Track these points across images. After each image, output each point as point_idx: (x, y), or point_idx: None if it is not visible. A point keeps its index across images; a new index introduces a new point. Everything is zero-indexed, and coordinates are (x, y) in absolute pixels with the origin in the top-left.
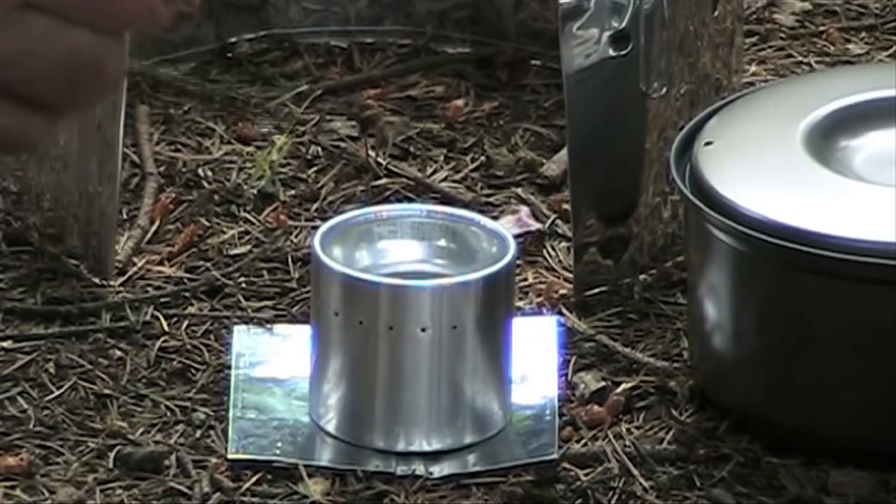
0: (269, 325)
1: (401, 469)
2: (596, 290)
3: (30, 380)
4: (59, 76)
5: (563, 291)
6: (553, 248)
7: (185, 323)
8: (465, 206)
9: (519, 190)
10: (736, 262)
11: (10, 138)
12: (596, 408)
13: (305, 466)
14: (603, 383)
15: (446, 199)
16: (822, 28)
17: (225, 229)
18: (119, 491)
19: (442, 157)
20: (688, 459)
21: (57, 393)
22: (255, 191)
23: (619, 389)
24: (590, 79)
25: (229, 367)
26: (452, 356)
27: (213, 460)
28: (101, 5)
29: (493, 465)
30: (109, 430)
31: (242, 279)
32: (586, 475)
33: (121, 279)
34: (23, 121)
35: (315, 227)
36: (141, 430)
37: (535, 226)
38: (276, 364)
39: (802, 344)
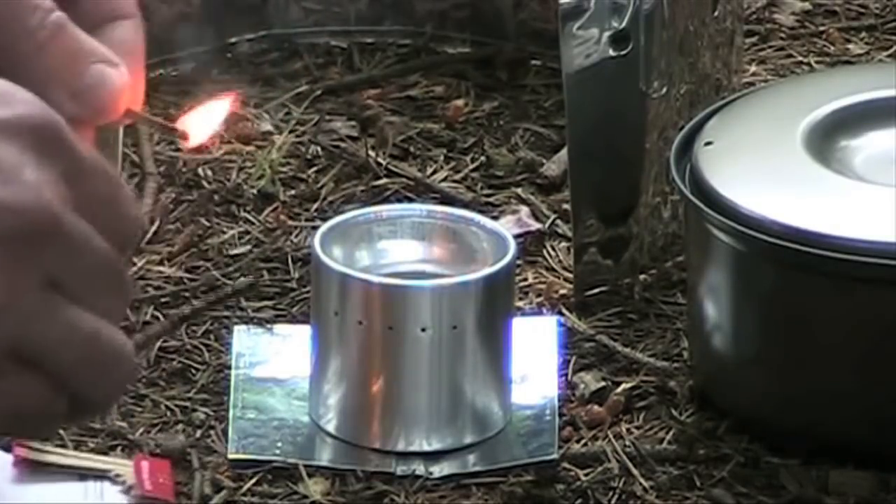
0: (269, 325)
1: (401, 469)
2: (596, 290)
3: None
4: (84, 361)
5: (563, 291)
6: (553, 248)
7: (185, 323)
8: (465, 206)
9: (519, 190)
10: (736, 262)
11: (26, 414)
12: (596, 408)
13: (305, 466)
14: (603, 383)
15: (446, 199)
16: (822, 28)
17: (225, 229)
18: None
19: (442, 157)
20: (688, 459)
21: None
22: (255, 191)
23: (619, 389)
24: (590, 79)
25: (229, 367)
26: (452, 356)
27: (213, 460)
28: (111, 284)
29: (493, 465)
30: (109, 430)
31: (242, 279)
32: (586, 475)
33: None
34: (43, 397)
35: (315, 227)
36: (141, 430)
37: (535, 226)
38: (276, 364)
39: (802, 344)
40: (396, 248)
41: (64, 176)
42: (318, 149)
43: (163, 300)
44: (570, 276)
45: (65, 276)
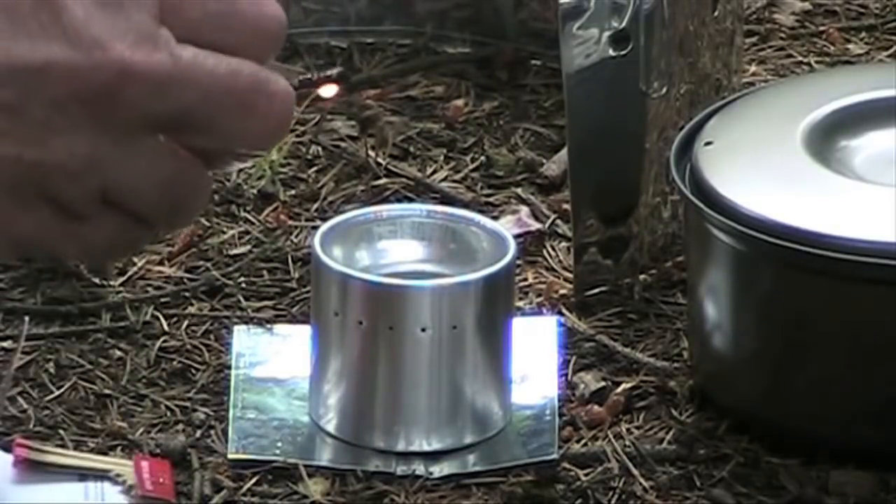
0: (269, 325)
1: (401, 469)
2: (596, 290)
3: (30, 380)
4: (164, 194)
5: (563, 291)
6: (553, 248)
7: (185, 323)
8: (465, 206)
9: (519, 190)
10: (736, 262)
11: (112, 247)
12: (596, 408)
13: (305, 466)
14: (603, 383)
15: (446, 199)
16: (822, 28)
17: (225, 229)
18: None
19: (442, 157)
20: (688, 459)
21: (57, 393)
22: (255, 191)
23: (619, 389)
24: (590, 79)
25: (229, 367)
26: (452, 356)
27: (213, 460)
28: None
29: (493, 465)
30: (109, 430)
31: (242, 279)
32: (586, 475)
33: (121, 279)
34: (127, 231)
35: (315, 227)
36: (141, 430)
37: (535, 226)
38: (276, 364)
39: (802, 344)
40: (396, 248)
41: (160, 11)
42: (319, 149)
43: (163, 300)
44: (570, 276)
45: (153, 114)
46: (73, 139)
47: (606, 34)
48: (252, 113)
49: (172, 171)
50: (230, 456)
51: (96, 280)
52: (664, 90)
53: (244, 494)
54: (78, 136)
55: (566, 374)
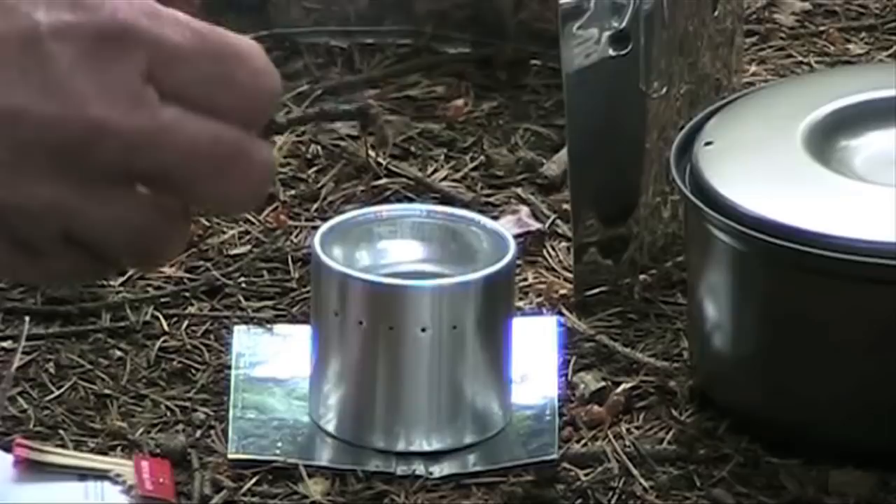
0: (269, 325)
1: (401, 469)
2: (596, 290)
3: (30, 380)
4: (132, 241)
5: (563, 291)
6: (553, 248)
7: (185, 323)
8: (465, 206)
9: (519, 190)
10: (736, 262)
11: (72, 277)
12: (596, 408)
13: (305, 466)
14: (603, 383)
15: (446, 199)
16: (822, 28)
17: (225, 229)
18: None
19: (442, 157)
20: (688, 459)
21: (57, 393)
22: None
23: (619, 389)
24: (590, 79)
25: (229, 367)
26: (452, 356)
27: (213, 460)
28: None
29: (493, 465)
30: (109, 430)
31: (242, 279)
32: (586, 475)
33: (121, 279)
34: (88, 265)
35: (315, 227)
36: (141, 430)
37: (535, 226)
38: (276, 364)
39: (802, 344)
40: (396, 248)
41: (148, 70)
42: (319, 148)
43: (163, 300)
44: (570, 276)
45: (127, 169)
46: (37, 184)
47: (606, 34)
48: (229, 180)
49: (143, 221)
50: (230, 456)
51: (96, 280)
52: (664, 90)
53: (244, 494)
54: (43, 183)
55: (566, 374)
